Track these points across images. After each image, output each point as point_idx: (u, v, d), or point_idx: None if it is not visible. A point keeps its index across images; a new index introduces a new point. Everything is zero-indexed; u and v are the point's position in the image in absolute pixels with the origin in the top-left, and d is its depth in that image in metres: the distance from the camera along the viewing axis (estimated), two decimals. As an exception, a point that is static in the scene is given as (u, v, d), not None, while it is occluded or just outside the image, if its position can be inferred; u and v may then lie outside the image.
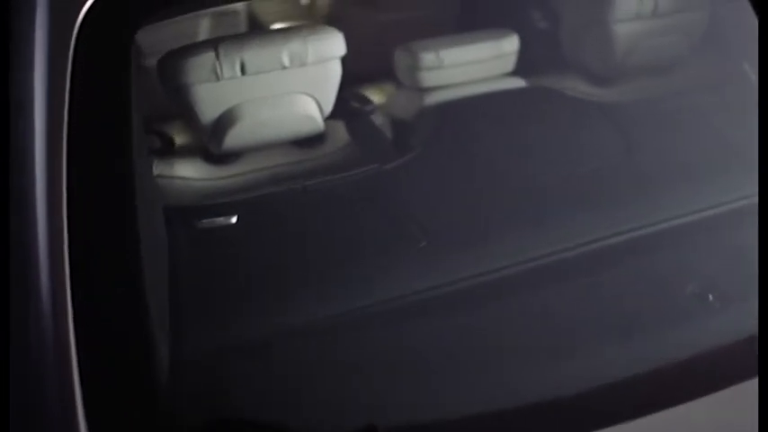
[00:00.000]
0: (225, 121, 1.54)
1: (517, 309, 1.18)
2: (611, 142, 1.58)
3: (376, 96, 2.69)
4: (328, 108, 1.62)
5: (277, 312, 1.19)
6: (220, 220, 1.34)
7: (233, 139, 1.56)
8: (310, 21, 2.41)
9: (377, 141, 1.65)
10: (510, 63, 1.86)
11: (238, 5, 2.07)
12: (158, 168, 1.60)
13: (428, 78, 1.81)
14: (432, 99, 1.80)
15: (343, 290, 1.22)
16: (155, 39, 1.54)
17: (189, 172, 1.62)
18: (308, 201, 1.40)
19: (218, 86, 1.50)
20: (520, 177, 1.45)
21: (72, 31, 1.22)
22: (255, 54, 1.49)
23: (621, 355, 1.08)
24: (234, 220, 1.34)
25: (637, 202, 1.40)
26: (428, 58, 1.78)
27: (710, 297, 1.20)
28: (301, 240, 1.30)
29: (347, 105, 1.72)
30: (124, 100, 1.15)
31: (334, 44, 1.56)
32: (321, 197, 1.41)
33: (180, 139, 1.70)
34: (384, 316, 1.18)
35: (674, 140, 1.57)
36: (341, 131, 1.70)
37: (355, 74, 2.60)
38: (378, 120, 1.73)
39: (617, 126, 1.62)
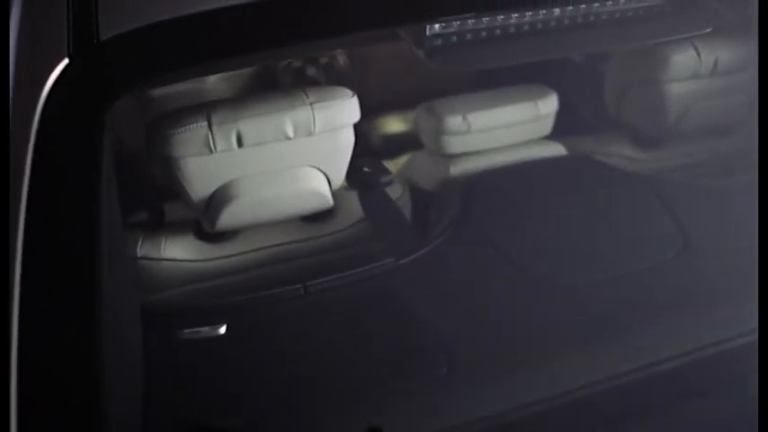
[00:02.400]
0: (219, 199, 1.34)
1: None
2: (665, 231, 1.35)
3: (399, 125, 2.50)
4: (339, 181, 1.42)
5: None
6: (206, 330, 1.14)
7: (229, 218, 1.35)
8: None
9: (393, 221, 1.43)
10: (547, 125, 1.64)
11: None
12: (144, 248, 1.41)
13: (454, 145, 1.60)
14: (457, 169, 1.59)
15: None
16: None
17: (178, 252, 1.42)
18: (308, 306, 1.19)
19: (211, 160, 1.30)
20: (562, 278, 1.23)
21: (37, 103, 1.05)
22: (254, 124, 1.29)
23: None
24: (222, 330, 1.14)
25: (698, 314, 1.18)
26: (454, 122, 1.56)
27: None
28: (298, 361, 1.09)
29: (360, 175, 1.51)
30: (92, 182, 1.02)
31: (345, 110, 1.35)
32: (324, 302, 1.20)
33: (172, 210, 1.50)
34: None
35: (740, 226, 1.35)
36: (352, 206, 1.49)
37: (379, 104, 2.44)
38: (396, 192, 1.51)
39: (671, 208, 1.40)
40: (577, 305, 1.20)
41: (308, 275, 1.25)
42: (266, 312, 1.19)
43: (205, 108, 1.29)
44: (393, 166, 1.68)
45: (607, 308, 1.19)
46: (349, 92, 1.37)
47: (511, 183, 1.49)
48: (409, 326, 1.18)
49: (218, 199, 1.34)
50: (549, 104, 1.61)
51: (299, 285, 1.22)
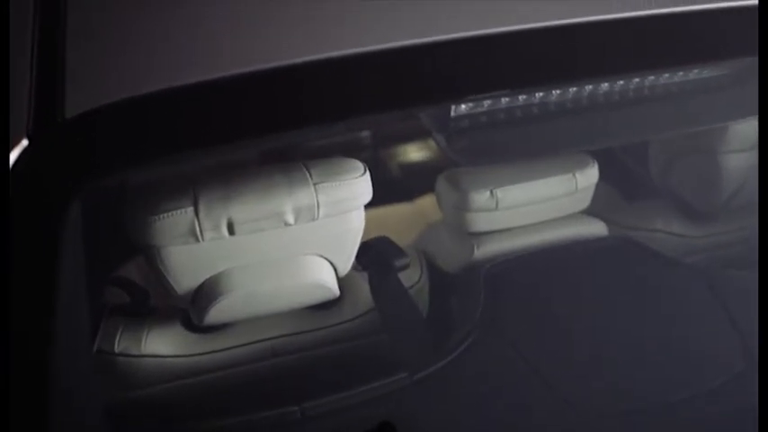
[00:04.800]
0: (208, 292, 1.16)
1: None
2: (722, 340, 1.15)
3: (417, 154, 2.32)
4: (346, 269, 1.23)
5: None
6: None
7: (219, 313, 1.17)
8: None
9: (406, 320, 1.24)
10: (586, 199, 1.45)
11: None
12: (123, 342, 1.23)
13: (479, 223, 1.40)
14: (482, 251, 1.39)
15: None
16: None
17: (163, 346, 1.24)
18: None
19: (198, 249, 1.12)
20: (606, 405, 1.04)
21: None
22: (248, 210, 1.11)
23: None
24: None
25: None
26: (480, 198, 1.37)
27: None
28: None
29: (372, 255, 1.32)
30: (50, 286, 0.88)
31: (355, 190, 1.16)
32: (325, 429, 1.01)
33: (157, 295, 1.32)
34: None
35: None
36: (361, 292, 1.30)
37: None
38: (411, 277, 1.32)
39: (728, 309, 1.20)
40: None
41: (306, 393, 1.06)
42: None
43: (191, 189, 1.11)
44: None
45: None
46: (360, 167, 1.18)
47: (543, 272, 1.30)
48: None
49: (207, 292, 1.16)
50: (589, 176, 1.42)
51: (296, 408, 1.03)
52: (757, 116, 1.31)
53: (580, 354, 1.13)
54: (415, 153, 2.31)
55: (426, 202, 1.90)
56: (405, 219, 1.84)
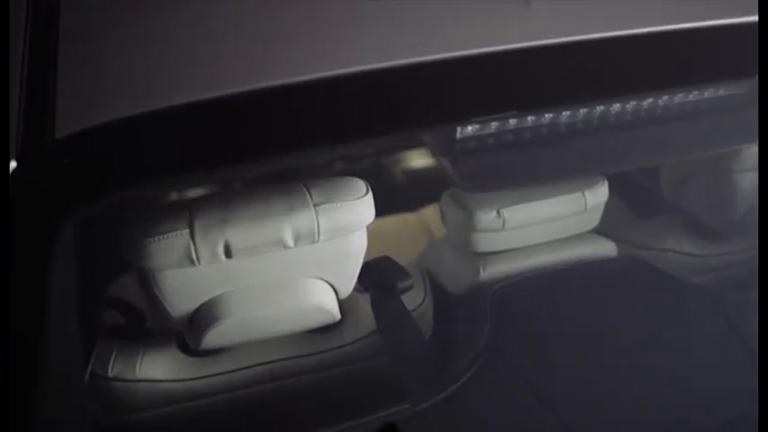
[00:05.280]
0: (204, 316, 1.12)
1: None
2: (735, 368, 1.11)
3: (422, 164, 2.28)
4: (347, 291, 1.20)
5: None
6: None
7: (215, 338, 1.13)
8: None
9: (409, 346, 1.20)
10: (595, 218, 1.41)
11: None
12: (116, 366, 1.19)
13: (485, 243, 1.36)
14: (487, 273, 1.35)
15: None
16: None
17: (158, 370, 1.20)
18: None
19: (194, 273, 1.08)
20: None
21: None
22: (245, 232, 1.06)
23: None
24: None
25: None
26: (486, 218, 1.33)
27: None
28: None
29: (374, 275, 1.28)
30: (40, 312, 0.86)
31: (357, 211, 1.11)
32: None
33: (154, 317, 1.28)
34: None
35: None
36: (362, 314, 1.26)
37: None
38: (415, 299, 1.28)
39: (743, 337, 1.15)
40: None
41: (306, 420, 1.03)
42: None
43: (186, 211, 1.07)
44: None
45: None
46: (362, 186, 1.14)
47: (551, 294, 1.26)
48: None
49: (203, 317, 1.12)
50: (598, 194, 1.37)
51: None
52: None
53: (590, 378, 1.09)
54: (419, 163, 2.27)
55: (430, 215, 1.87)
56: (407, 234, 1.80)
